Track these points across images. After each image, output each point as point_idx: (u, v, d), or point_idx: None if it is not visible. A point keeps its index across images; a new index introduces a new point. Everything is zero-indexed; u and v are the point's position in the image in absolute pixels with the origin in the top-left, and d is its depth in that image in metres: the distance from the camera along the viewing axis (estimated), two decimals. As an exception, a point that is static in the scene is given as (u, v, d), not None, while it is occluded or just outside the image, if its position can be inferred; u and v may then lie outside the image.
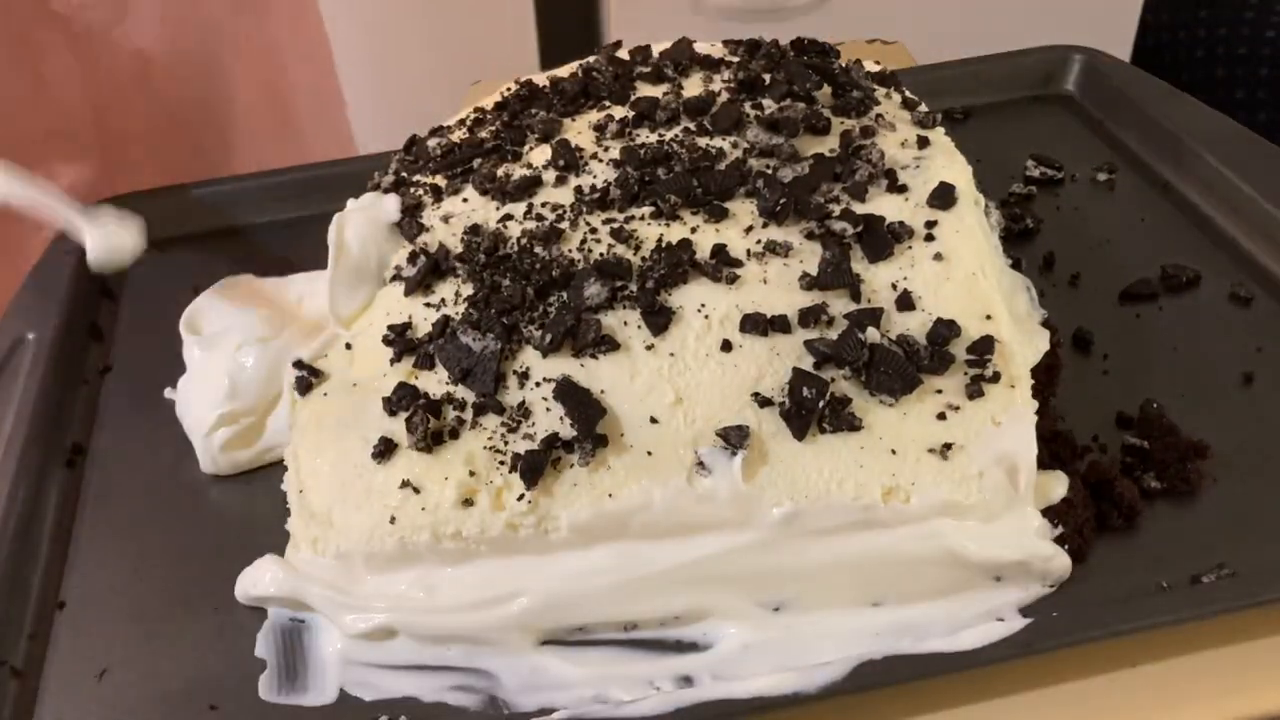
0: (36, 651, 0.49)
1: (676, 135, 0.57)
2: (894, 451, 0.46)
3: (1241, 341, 0.58)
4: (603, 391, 0.47)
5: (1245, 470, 0.52)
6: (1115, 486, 0.50)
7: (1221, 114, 0.71)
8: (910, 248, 0.51)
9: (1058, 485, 0.49)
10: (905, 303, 0.49)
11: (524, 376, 0.48)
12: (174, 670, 0.48)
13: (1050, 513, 0.48)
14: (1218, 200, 0.67)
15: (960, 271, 0.50)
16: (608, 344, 0.48)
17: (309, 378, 0.53)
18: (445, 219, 0.56)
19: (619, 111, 0.60)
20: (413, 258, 0.54)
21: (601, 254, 0.51)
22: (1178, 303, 0.62)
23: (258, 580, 0.50)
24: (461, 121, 0.64)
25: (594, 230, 0.52)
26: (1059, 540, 0.47)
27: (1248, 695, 0.45)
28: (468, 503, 0.46)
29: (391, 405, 0.49)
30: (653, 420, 0.47)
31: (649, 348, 0.48)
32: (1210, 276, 0.63)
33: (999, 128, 0.78)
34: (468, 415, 0.48)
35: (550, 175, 0.56)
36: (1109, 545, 0.49)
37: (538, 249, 0.52)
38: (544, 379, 0.48)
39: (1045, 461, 0.50)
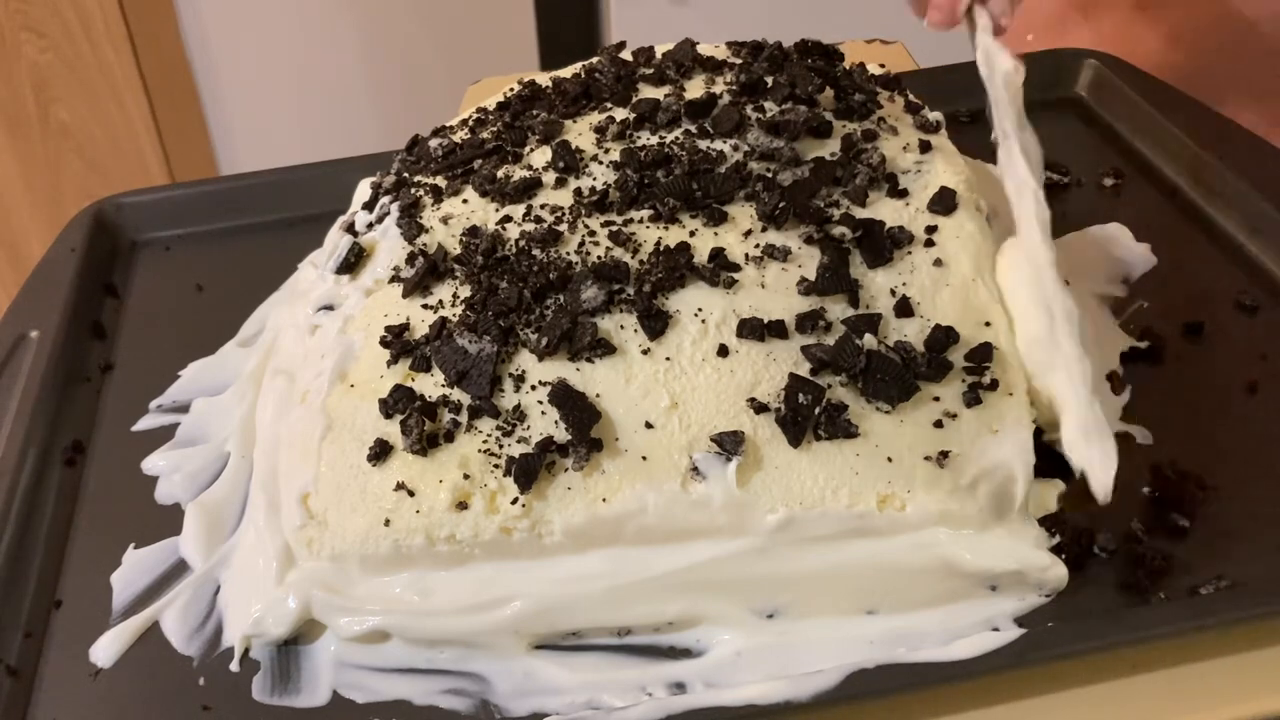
0: (32, 650, 0.49)
1: (677, 138, 0.56)
2: (890, 459, 0.46)
3: (1246, 350, 0.58)
4: (598, 395, 0.47)
5: (1248, 479, 0.51)
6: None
7: (1230, 119, 0.70)
8: (910, 253, 0.51)
9: (1055, 494, 0.48)
10: (904, 309, 0.49)
11: (520, 379, 0.48)
12: (168, 670, 0.48)
13: (1048, 522, 0.47)
14: (1225, 207, 0.66)
15: (959, 278, 0.50)
16: (604, 347, 0.48)
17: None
18: (445, 220, 0.56)
19: (620, 113, 0.59)
20: (411, 259, 0.54)
21: (599, 257, 0.51)
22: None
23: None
24: (464, 122, 0.64)
25: (592, 233, 0.52)
26: (1056, 550, 0.47)
27: (1245, 705, 0.44)
28: (462, 506, 0.46)
29: (388, 408, 0.49)
30: (648, 425, 0.46)
31: (645, 352, 0.48)
32: (1216, 284, 0.62)
33: (1006, 131, 0.77)
34: (463, 418, 0.48)
35: (550, 177, 0.56)
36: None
37: (535, 251, 0.52)
38: (540, 382, 0.48)
39: (1043, 470, 0.49)
